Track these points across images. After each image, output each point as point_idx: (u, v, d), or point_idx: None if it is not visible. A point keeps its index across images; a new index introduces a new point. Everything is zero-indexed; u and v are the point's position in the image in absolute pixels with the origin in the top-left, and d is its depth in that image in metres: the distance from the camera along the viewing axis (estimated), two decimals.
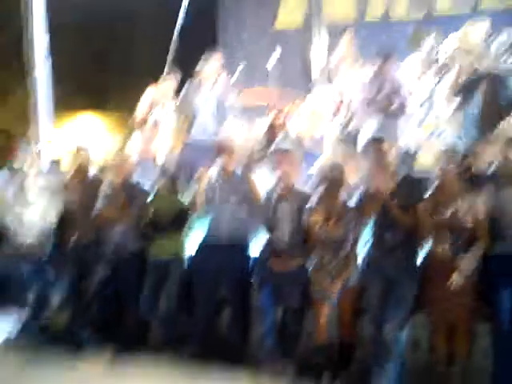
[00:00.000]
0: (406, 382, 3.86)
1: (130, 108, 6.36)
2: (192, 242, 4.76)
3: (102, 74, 10.17)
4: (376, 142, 4.16)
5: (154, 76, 6.35)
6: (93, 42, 9.63)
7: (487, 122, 4.75)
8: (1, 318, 5.23)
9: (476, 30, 5.50)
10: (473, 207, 3.84)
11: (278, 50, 6.75)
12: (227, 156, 4.52)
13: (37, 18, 7.35)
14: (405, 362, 3.88)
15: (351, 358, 3.98)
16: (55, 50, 7.56)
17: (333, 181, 4.10)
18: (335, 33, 7.91)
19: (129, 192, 4.82)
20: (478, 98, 5.12)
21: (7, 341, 4.99)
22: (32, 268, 4.91)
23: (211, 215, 4.53)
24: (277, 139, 5.95)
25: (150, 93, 6.15)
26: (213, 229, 4.53)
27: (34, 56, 7.41)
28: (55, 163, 7.87)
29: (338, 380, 3.95)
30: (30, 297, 4.92)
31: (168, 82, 6.22)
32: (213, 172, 4.60)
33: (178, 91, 6.24)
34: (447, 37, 6.03)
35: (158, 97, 6.12)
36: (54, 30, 7.53)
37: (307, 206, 4.18)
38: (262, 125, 6.43)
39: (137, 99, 6.19)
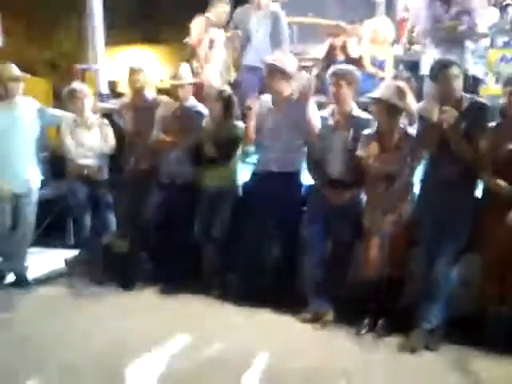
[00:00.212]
0: (454, 321, 3.79)
1: (182, 41, 6.21)
2: (245, 170, 4.73)
3: (152, 7, 9.99)
4: (447, 65, 3.83)
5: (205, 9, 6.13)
6: None
7: None
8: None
9: None
10: None
11: None
12: (281, 81, 4.34)
13: None
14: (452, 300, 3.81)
15: (399, 294, 3.93)
16: None
17: (391, 107, 3.86)
18: None
19: (185, 116, 4.76)
20: None
21: (72, 261, 5.25)
22: (90, 190, 5.01)
23: (263, 143, 4.45)
24: (336, 60, 5.75)
25: (201, 19, 5.98)
26: (265, 156, 4.46)
27: None
28: (112, 85, 7.98)
29: (383, 315, 3.93)
30: (87, 219, 5.04)
31: (220, 6, 6.02)
32: (265, 99, 4.47)
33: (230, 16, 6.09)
34: None
35: (211, 22, 5.96)
36: None
37: (364, 134, 4.01)
38: (319, 48, 6.22)
39: (188, 32, 6.05)
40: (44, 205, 5.26)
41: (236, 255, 4.52)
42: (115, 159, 5.19)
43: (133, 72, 5.12)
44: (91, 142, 5.01)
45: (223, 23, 6.08)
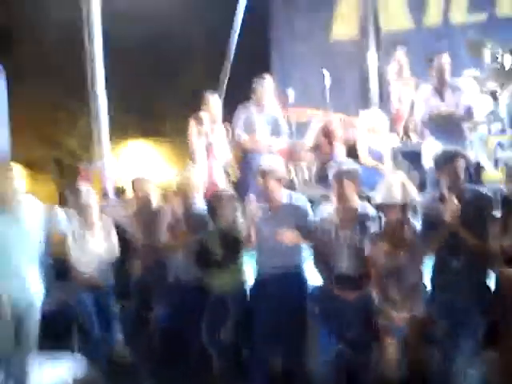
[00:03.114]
0: None
1: (183, 135, 6.36)
2: (249, 272, 4.68)
3: (154, 103, 10.34)
4: (454, 156, 3.85)
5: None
6: (144, 71, 9.82)
7: None
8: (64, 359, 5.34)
9: None
10: None
11: (328, 74, 6.61)
12: (271, 183, 4.38)
13: (97, 51, 7.62)
14: None
15: None
16: (110, 79, 7.79)
17: (397, 208, 3.84)
18: (390, 44, 7.77)
19: (191, 217, 4.77)
20: None
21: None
22: (95, 299, 4.93)
23: (264, 246, 4.43)
24: (335, 158, 5.85)
25: (193, 122, 6.11)
26: (267, 259, 4.42)
27: (95, 86, 7.68)
28: (119, 191, 8.07)
29: None
30: (95, 328, 4.94)
31: (214, 106, 6.18)
32: (259, 203, 4.49)
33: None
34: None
35: (208, 122, 6.10)
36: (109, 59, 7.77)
37: (371, 232, 3.99)
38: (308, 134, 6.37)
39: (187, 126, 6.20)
40: (48, 312, 5.15)
41: (246, 361, 4.40)
42: (121, 265, 5.15)
43: (138, 183, 5.23)
44: (95, 249, 4.97)
45: (217, 116, 6.19)
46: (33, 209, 4.81)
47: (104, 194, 7.21)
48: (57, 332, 5.58)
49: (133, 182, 5.29)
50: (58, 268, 5.74)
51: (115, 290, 5.08)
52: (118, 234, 5.15)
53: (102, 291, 4.98)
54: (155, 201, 5.28)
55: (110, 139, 8.07)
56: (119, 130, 9.43)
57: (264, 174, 4.39)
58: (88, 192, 5.07)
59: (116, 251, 5.05)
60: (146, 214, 5.13)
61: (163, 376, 4.68)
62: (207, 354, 4.56)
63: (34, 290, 4.76)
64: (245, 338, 4.42)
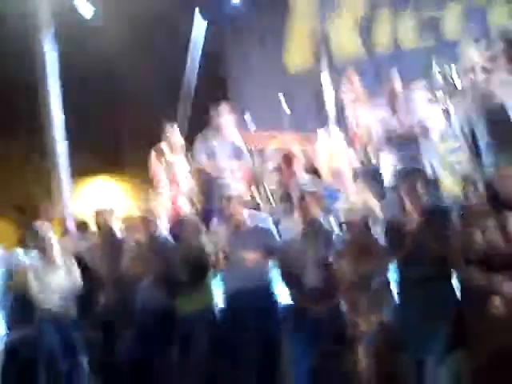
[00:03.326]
0: None
1: (145, 168, 6.39)
2: (217, 293, 4.67)
3: (113, 138, 10.30)
4: (413, 173, 4.05)
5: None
6: (102, 108, 9.78)
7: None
8: None
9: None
10: (505, 231, 3.66)
11: (282, 98, 6.73)
12: (236, 207, 4.52)
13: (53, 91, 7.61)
14: None
15: None
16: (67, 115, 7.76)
17: (361, 225, 3.98)
18: (342, 70, 7.97)
19: (154, 245, 4.78)
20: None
21: None
22: (60, 332, 4.84)
23: (231, 267, 4.46)
24: (297, 180, 5.92)
25: (154, 154, 6.17)
26: (235, 280, 4.45)
27: (49, 123, 7.64)
28: (80, 225, 7.99)
29: None
30: (60, 363, 4.83)
31: (174, 136, 6.24)
32: (223, 225, 4.61)
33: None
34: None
35: (168, 152, 6.15)
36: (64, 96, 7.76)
37: (334, 245, 4.08)
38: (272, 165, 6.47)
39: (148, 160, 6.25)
40: (10, 352, 4.99)
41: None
42: (87, 299, 5.06)
43: (99, 214, 5.20)
44: (57, 284, 4.92)
45: (177, 146, 6.25)
46: None
47: (65, 231, 7.10)
48: (21, 369, 5.41)
49: (95, 214, 5.25)
50: (20, 305, 5.63)
51: (80, 322, 4.97)
52: (81, 267, 5.08)
53: (67, 324, 4.88)
54: (118, 231, 5.24)
55: (72, 177, 8.03)
56: (79, 168, 9.32)
57: (228, 199, 4.56)
58: (47, 230, 5.03)
59: (78, 285, 4.99)
60: (109, 245, 5.09)
61: None
62: (177, 379, 4.49)
63: None
64: (216, 361, 4.37)
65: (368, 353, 3.80)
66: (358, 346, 3.84)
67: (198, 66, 9.27)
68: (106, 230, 5.19)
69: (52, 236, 5.03)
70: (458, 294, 3.87)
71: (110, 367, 4.78)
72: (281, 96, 6.68)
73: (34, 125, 8.24)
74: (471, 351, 3.70)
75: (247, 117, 7.18)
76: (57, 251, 5.00)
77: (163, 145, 6.18)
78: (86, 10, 7.84)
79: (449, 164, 5.71)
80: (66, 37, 8.01)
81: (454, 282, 3.90)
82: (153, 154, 6.19)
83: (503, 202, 3.79)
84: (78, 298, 5.01)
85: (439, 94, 6.49)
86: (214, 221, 4.89)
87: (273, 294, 4.47)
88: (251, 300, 4.31)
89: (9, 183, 10.77)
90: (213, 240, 4.57)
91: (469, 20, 8.36)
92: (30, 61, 8.04)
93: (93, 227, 5.70)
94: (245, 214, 4.60)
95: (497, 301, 3.53)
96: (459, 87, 6.34)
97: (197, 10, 9.24)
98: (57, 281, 4.91)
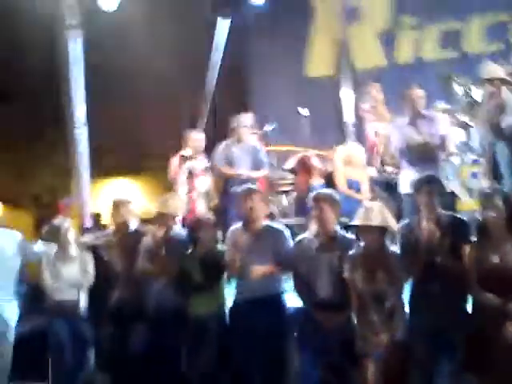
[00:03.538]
0: None
1: (165, 172, 6.47)
2: (229, 297, 4.68)
3: (139, 141, 10.36)
4: (430, 181, 3.99)
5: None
6: (124, 108, 9.85)
7: None
8: None
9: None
10: None
11: (305, 110, 6.74)
12: (255, 203, 4.42)
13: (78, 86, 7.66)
14: None
15: None
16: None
17: (375, 231, 3.90)
18: (365, 80, 7.98)
19: (170, 244, 4.77)
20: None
21: None
22: (69, 326, 4.89)
23: (244, 270, 4.40)
24: (315, 185, 5.96)
25: (177, 158, 6.26)
26: (245, 283, 4.42)
27: (73, 120, 7.72)
28: (96, 217, 8.07)
29: None
30: (68, 357, 4.88)
31: (194, 138, 6.29)
32: (238, 230, 4.52)
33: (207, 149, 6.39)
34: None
35: (187, 158, 6.23)
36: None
37: (349, 255, 4.01)
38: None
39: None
40: (21, 341, 5.06)
41: None
42: (100, 293, 5.10)
43: (116, 205, 5.18)
44: (69, 276, 4.97)
45: (201, 151, 6.32)
46: (9, 239, 4.84)
47: (84, 228, 7.18)
48: (30, 361, 5.48)
49: (112, 204, 5.22)
50: (33, 296, 5.71)
51: (92, 318, 5.02)
52: (97, 263, 5.12)
53: (77, 319, 4.93)
54: (134, 225, 5.27)
55: (93, 177, 8.10)
56: (102, 168, 9.41)
57: (248, 194, 4.46)
58: (67, 226, 5.10)
59: (91, 278, 5.04)
60: (126, 241, 5.09)
61: None
62: (187, 380, 4.52)
63: (8, 315, 4.73)
64: (225, 363, 4.39)
65: (378, 369, 3.77)
66: (367, 362, 3.80)
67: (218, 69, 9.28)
68: (122, 225, 5.15)
69: (71, 230, 5.07)
70: (472, 315, 3.86)
71: (119, 363, 4.79)
72: (301, 110, 6.68)
73: (59, 122, 8.32)
74: (482, 376, 3.70)
75: (268, 127, 7.22)
76: (74, 250, 5.05)
77: (186, 151, 6.25)
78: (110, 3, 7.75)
79: (467, 183, 5.69)
80: (92, 39, 8.07)
81: (468, 303, 3.89)
82: (176, 158, 6.28)
83: None
84: (91, 292, 5.06)
85: (459, 107, 6.51)
86: (231, 223, 4.88)
87: (283, 300, 4.44)
88: (260, 305, 4.28)
89: (31, 175, 10.93)
90: (229, 243, 4.51)
91: (491, 34, 8.37)
92: (55, 57, 8.11)
93: (109, 222, 5.74)
94: (263, 213, 4.50)
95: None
96: (479, 100, 6.34)
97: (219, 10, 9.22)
98: (71, 273, 4.96)
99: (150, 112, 9.72)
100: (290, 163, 6.69)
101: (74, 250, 5.05)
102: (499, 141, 5.27)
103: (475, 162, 5.94)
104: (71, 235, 5.07)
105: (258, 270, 4.26)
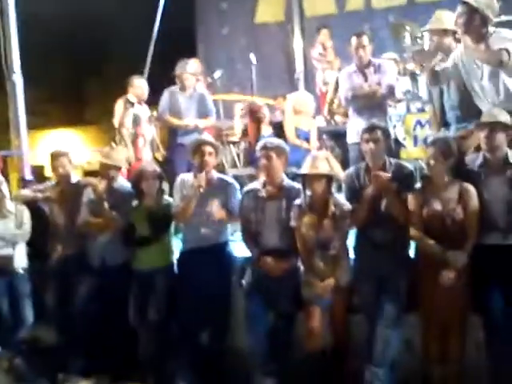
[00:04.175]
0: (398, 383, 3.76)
1: (108, 121, 6.23)
2: (176, 248, 4.65)
3: (78, 90, 10.02)
4: (375, 129, 3.96)
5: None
6: (66, 58, 9.42)
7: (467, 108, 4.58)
8: None
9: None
10: (463, 198, 3.71)
11: (254, 59, 6.58)
12: (206, 155, 4.36)
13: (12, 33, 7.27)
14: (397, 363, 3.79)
15: (343, 362, 3.89)
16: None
17: (322, 179, 3.90)
18: (314, 28, 7.86)
19: (114, 196, 4.66)
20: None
21: None
22: (5, 282, 4.81)
23: (192, 220, 4.39)
24: (263, 134, 5.89)
25: (121, 101, 6.06)
26: (191, 232, 4.41)
27: (9, 70, 7.35)
28: (39, 170, 7.82)
29: None
30: (5, 313, 4.80)
31: (138, 84, 6.10)
32: (189, 177, 4.46)
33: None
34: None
35: (132, 101, 6.03)
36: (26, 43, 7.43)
37: (296, 204, 4.02)
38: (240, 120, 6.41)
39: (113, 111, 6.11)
40: None
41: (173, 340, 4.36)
42: (40, 246, 4.97)
43: (55, 157, 4.97)
44: (4, 231, 4.83)
45: (144, 98, 6.15)
46: None
47: (24, 180, 6.94)
48: None
49: (50, 156, 5.01)
50: None
51: (33, 273, 4.92)
52: (37, 217, 4.98)
53: (13, 275, 4.85)
54: (75, 177, 5.10)
55: (32, 128, 7.78)
56: (41, 119, 9.06)
57: (199, 145, 4.38)
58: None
59: (26, 232, 4.92)
60: (66, 194, 4.93)
61: (90, 358, 4.58)
62: (134, 333, 4.50)
63: None
64: (172, 315, 4.39)
65: (323, 315, 3.83)
66: (313, 307, 3.86)
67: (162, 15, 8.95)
68: (62, 177, 4.96)
69: (4, 184, 4.91)
70: (414, 258, 3.95)
71: (63, 318, 4.72)
72: (251, 55, 6.52)
73: None
74: (422, 316, 3.82)
75: (217, 73, 7.04)
76: (8, 204, 4.89)
77: (129, 96, 6.05)
78: None
79: (412, 131, 5.73)
80: None
81: (410, 246, 3.97)
82: (120, 103, 6.06)
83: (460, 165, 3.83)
84: (31, 247, 4.94)
85: (407, 55, 6.49)
86: (181, 171, 4.77)
87: (230, 249, 4.47)
88: (209, 257, 4.30)
89: None
90: (178, 191, 4.43)
91: None
92: None
93: (49, 173, 5.54)
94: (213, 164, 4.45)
95: (450, 273, 3.61)
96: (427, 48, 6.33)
97: None
98: (6, 229, 4.83)
99: (93, 63, 9.36)
100: (239, 112, 6.56)
101: (8, 204, 4.89)
102: (435, 86, 5.27)
103: (420, 110, 5.98)
104: (5, 189, 4.89)
105: (212, 206, 4.23)
